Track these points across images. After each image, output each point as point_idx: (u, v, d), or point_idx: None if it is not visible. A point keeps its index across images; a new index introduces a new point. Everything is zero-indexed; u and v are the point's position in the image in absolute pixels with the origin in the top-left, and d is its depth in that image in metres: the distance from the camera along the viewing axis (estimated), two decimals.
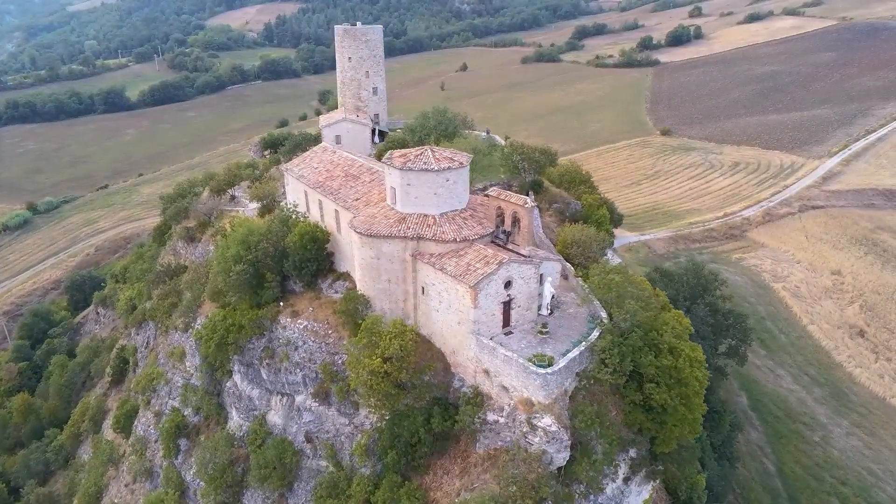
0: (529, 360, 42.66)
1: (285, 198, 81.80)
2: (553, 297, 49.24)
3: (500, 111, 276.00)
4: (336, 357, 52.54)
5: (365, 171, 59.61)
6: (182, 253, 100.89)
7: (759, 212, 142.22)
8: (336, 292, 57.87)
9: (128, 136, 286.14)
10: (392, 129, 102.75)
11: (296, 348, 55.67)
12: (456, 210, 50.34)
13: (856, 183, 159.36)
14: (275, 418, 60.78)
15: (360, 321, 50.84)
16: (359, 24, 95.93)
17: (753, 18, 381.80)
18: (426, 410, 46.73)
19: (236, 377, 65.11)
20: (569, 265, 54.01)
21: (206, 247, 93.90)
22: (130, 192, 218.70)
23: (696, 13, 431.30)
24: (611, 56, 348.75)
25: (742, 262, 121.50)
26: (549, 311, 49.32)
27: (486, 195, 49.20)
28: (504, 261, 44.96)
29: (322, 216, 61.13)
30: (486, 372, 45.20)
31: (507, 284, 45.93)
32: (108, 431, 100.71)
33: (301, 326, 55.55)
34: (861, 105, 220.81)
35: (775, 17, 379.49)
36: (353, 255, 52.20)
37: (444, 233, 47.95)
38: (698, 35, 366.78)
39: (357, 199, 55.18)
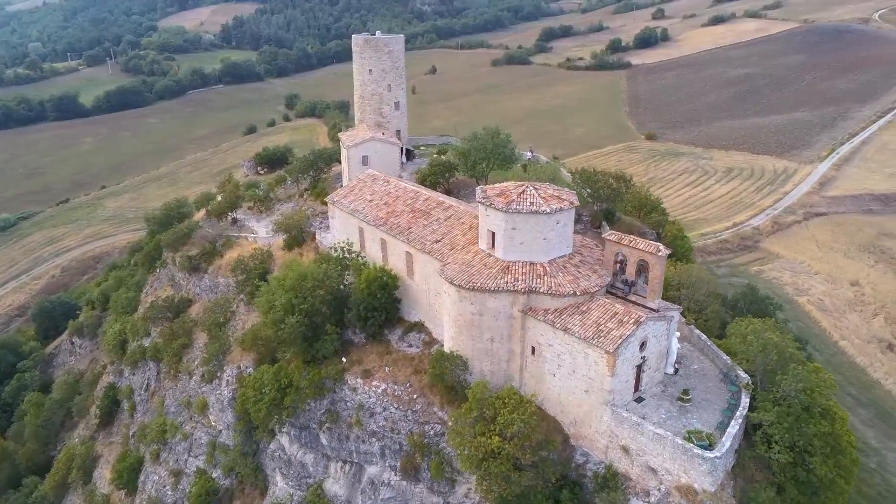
0: (686, 439, 36.70)
1: (317, 228, 74.30)
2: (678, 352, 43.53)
3: (478, 115, 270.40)
4: (426, 427, 45.53)
5: (435, 205, 52.64)
6: (183, 284, 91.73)
7: (767, 220, 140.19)
8: (410, 346, 50.88)
9: (85, 144, 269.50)
10: (415, 146, 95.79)
11: (372, 415, 48.36)
12: (564, 256, 44.02)
13: (852, 188, 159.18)
14: (335, 488, 53.36)
15: (457, 386, 44.18)
16: (378, 33, 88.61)
17: (717, 20, 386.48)
18: (551, 493, 40.27)
19: (283, 439, 57.37)
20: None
21: (214, 279, 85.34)
22: (94, 207, 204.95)
23: (660, 15, 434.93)
24: (581, 58, 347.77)
25: (762, 276, 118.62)
26: (674, 370, 43.56)
27: (606, 239, 43.00)
28: (641, 319, 38.90)
29: (385, 257, 53.95)
30: (625, 449, 39.07)
31: (642, 345, 39.92)
32: (101, 482, 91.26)
33: (379, 390, 48.21)
34: (839, 108, 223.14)
35: (738, 20, 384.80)
36: (445, 308, 45.25)
37: (559, 285, 41.55)
38: (665, 37, 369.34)
39: (437, 242, 48.21)
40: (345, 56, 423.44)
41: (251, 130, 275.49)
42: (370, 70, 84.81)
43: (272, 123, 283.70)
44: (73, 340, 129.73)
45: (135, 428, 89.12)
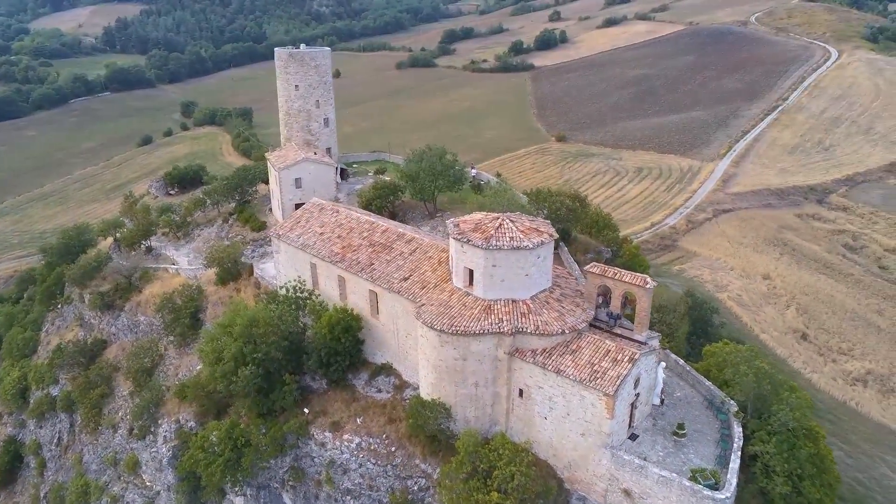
0: (692, 479, 35.68)
1: (251, 259, 68.98)
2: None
3: (388, 120, 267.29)
4: (409, 482, 42.30)
5: (395, 237, 49.36)
6: (95, 324, 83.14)
7: (682, 219, 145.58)
8: (379, 391, 47.44)
9: None
10: (347, 164, 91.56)
11: (345, 472, 44.49)
12: (544, 290, 42.15)
13: (751, 184, 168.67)
14: None
15: (440, 435, 41.35)
16: (303, 46, 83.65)
17: (611, 23, 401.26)
18: None
19: (236, 500, 52.27)
20: None
21: (133, 317, 77.80)
22: None
23: (556, 17, 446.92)
24: (485, 60, 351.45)
25: (684, 275, 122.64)
26: (660, 401, 42.74)
27: (589, 272, 41.40)
28: (636, 357, 37.62)
29: (344, 295, 50.09)
30: (627, 492, 37.65)
31: (636, 382, 38.69)
32: None
33: (353, 444, 44.37)
34: (730, 106, 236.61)
35: (630, 22, 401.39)
36: (423, 353, 42.18)
37: (547, 324, 39.60)
38: (564, 39, 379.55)
39: (405, 280, 45.06)
40: (242, 60, 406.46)
41: (146, 141, 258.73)
42: (296, 86, 79.94)
43: (169, 133, 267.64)
44: None
45: (46, 488, 79.99)
